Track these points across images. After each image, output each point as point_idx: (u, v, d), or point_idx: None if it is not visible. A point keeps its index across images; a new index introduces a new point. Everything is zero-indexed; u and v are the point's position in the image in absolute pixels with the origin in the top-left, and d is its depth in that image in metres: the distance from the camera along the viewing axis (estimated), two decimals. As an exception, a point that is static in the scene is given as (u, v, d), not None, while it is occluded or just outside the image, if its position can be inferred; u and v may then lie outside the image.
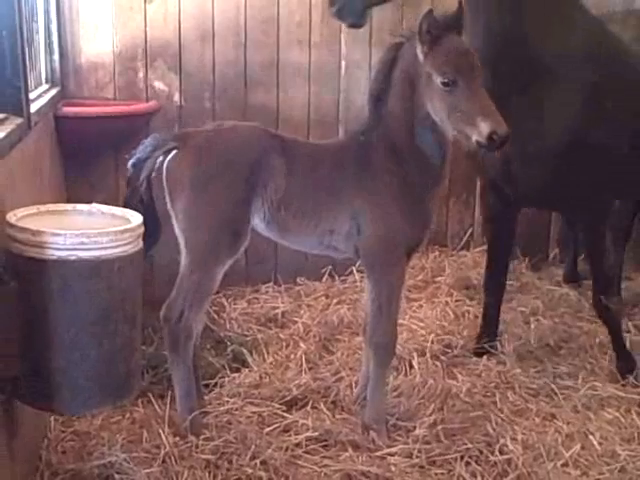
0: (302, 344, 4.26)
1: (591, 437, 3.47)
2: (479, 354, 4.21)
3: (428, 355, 4.09)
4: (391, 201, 3.33)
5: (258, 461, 3.17)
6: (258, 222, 3.39)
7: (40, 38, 4.38)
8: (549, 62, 3.56)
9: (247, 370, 4.00)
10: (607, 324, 4.06)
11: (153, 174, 3.32)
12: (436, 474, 3.21)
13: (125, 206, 3.07)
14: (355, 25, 3.86)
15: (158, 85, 4.87)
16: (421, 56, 3.18)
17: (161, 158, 3.32)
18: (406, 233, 3.36)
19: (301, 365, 4.01)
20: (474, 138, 3.09)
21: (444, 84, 3.11)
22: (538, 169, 3.73)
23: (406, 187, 3.33)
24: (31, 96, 3.58)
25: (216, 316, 4.62)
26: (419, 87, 3.22)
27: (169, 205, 3.33)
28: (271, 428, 3.44)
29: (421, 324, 4.48)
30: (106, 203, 3.09)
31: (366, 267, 3.46)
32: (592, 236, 3.92)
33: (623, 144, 3.80)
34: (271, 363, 4.08)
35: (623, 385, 3.94)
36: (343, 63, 5.11)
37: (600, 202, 3.89)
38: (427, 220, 3.42)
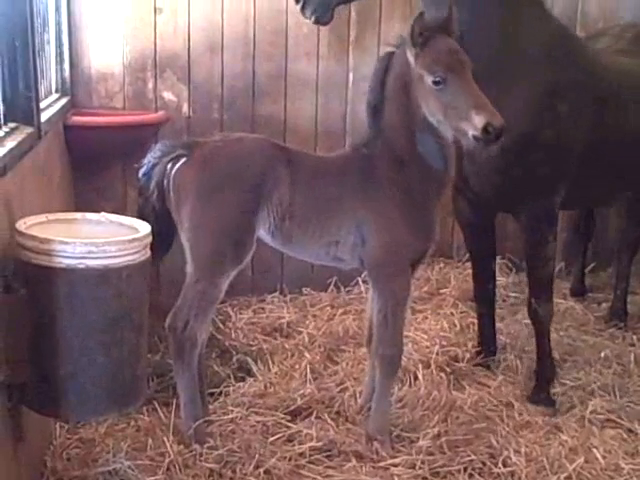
0: (307, 354, 4.27)
1: (595, 450, 3.46)
2: (482, 366, 4.22)
3: (433, 367, 4.09)
4: (395, 211, 3.34)
5: (262, 470, 3.18)
6: (263, 232, 3.41)
7: (51, 48, 4.43)
8: (503, 62, 3.55)
9: (252, 379, 4.02)
10: (534, 327, 4.02)
11: (164, 181, 3.35)
12: (439, 485, 3.22)
13: (139, 215, 3.08)
14: (320, 21, 3.88)
15: (167, 96, 4.91)
16: (412, 59, 3.20)
17: (169, 165, 3.35)
18: (410, 243, 3.38)
19: (306, 375, 4.02)
20: (470, 133, 3.08)
21: (435, 83, 3.12)
22: (487, 166, 3.70)
23: (409, 196, 3.35)
24: (41, 105, 3.62)
25: (222, 325, 4.64)
26: (413, 92, 3.23)
27: (175, 213, 3.35)
28: (275, 437, 3.45)
29: (426, 336, 4.48)
30: (114, 212, 3.13)
31: (371, 278, 3.48)
32: (533, 240, 3.85)
33: (574, 148, 3.78)
34: (276, 373, 4.09)
35: (628, 400, 3.94)
36: (351, 75, 5.14)
37: (546, 208, 3.82)
38: (431, 230, 3.43)
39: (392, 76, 3.30)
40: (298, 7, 3.86)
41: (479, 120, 3.05)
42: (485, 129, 3.04)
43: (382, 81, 3.33)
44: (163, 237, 3.36)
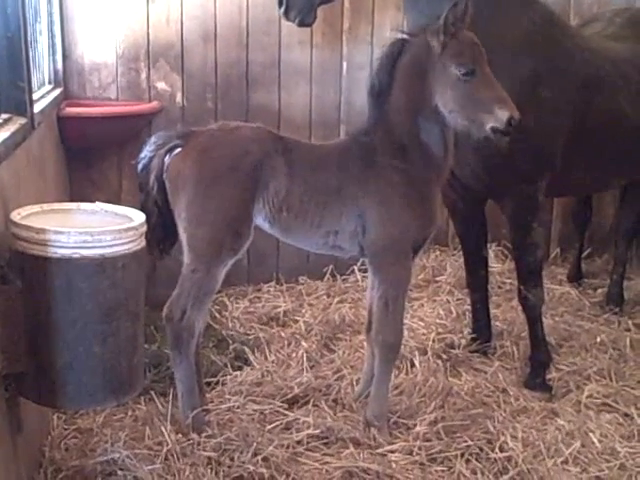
0: (304, 343, 4.28)
1: (591, 435, 3.49)
2: (479, 352, 4.23)
3: (429, 353, 4.11)
4: (397, 199, 3.34)
5: (260, 458, 3.19)
6: (261, 221, 3.40)
7: (43, 39, 4.42)
8: (489, 48, 3.56)
9: (249, 368, 4.03)
10: (526, 314, 4.03)
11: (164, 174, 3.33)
12: (436, 471, 3.23)
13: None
14: (304, 23, 3.88)
15: (160, 85, 4.90)
16: (438, 47, 3.22)
17: (166, 157, 3.34)
18: (413, 230, 3.38)
19: (302, 363, 4.03)
20: (489, 125, 3.17)
21: (464, 74, 3.18)
22: (469, 155, 3.69)
23: (411, 183, 3.35)
24: (34, 96, 3.62)
25: (218, 315, 4.65)
26: (430, 79, 3.25)
27: (172, 203, 3.34)
28: (273, 426, 3.46)
29: (422, 323, 4.50)
30: (109, 202, 3.12)
31: (373, 265, 3.46)
32: (518, 227, 3.85)
33: (557, 134, 3.77)
34: (273, 361, 4.10)
35: (624, 384, 3.96)
36: (344, 64, 5.14)
37: (529, 194, 3.81)
38: (433, 215, 3.45)
39: (406, 62, 3.30)
40: (281, 11, 3.85)
41: (503, 113, 3.15)
42: (509, 122, 3.14)
43: (391, 67, 3.32)
44: (168, 231, 3.36)
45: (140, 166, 3.38)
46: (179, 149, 3.33)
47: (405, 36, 3.35)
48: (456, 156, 3.69)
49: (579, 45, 3.95)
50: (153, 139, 3.40)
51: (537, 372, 3.99)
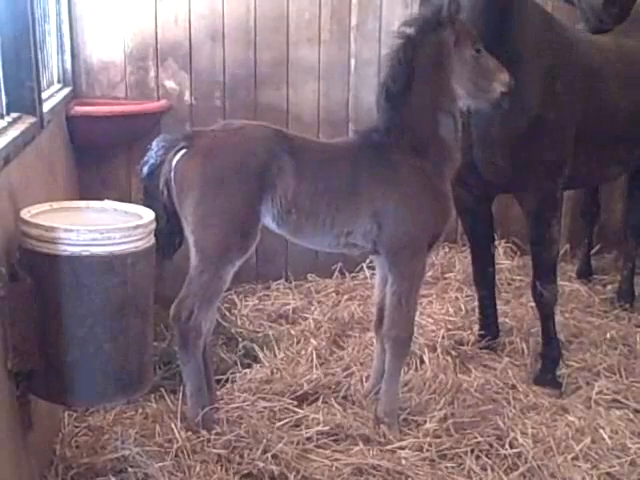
0: (313, 340, 4.28)
1: (601, 431, 3.48)
2: (488, 348, 4.23)
3: (439, 350, 4.11)
4: (415, 196, 3.35)
5: (269, 455, 3.20)
6: (270, 222, 3.38)
7: (52, 39, 4.43)
8: (508, 48, 3.60)
9: (258, 366, 4.04)
10: (539, 309, 4.04)
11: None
12: (446, 467, 3.23)
13: None
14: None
15: (169, 84, 4.91)
16: (451, 37, 3.32)
17: (173, 159, 3.31)
18: (430, 226, 3.40)
19: (312, 361, 4.03)
20: (499, 90, 3.39)
21: (477, 51, 3.37)
22: (498, 151, 3.75)
23: (427, 180, 3.37)
24: (43, 96, 3.63)
25: (227, 313, 4.66)
26: (447, 70, 3.34)
27: (178, 205, 3.32)
28: (282, 423, 3.47)
29: (431, 320, 4.50)
30: (118, 200, 3.12)
31: (387, 261, 3.45)
32: (538, 224, 3.87)
33: (571, 127, 3.83)
34: (282, 359, 4.10)
35: (634, 380, 3.95)
36: (353, 61, 5.13)
37: (551, 191, 3.85)
38: (449, 210, 3.46)
39: (422, 60, 3.33)
40: None
41: (505, 76, 3.40)
42: (510, 83, 3.39)
43: (408, 65, 3.33)
44: (172, 236, 3.36)
45: (146, 170, 3.34)
46: (184, 150, 3.30)
47: (411, 35, 3.34)
48: (481, 152, 3.73)
49: (579, 40, 4.02)
50: (159, 143, 3.36)
51: (548, 368, 3.98)
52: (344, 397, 3.72)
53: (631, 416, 3.65)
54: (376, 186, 3.34)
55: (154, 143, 3.38)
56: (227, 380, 3.88)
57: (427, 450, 3.31)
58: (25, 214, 2.72)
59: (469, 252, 4.52)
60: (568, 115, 3.81)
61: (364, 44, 5.09)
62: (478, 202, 4.14)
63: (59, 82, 4.58)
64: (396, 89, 3.35)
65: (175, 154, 3.31)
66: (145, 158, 3.37)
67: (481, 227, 4.25)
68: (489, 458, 3.29)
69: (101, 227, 2.69)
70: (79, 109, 4.49)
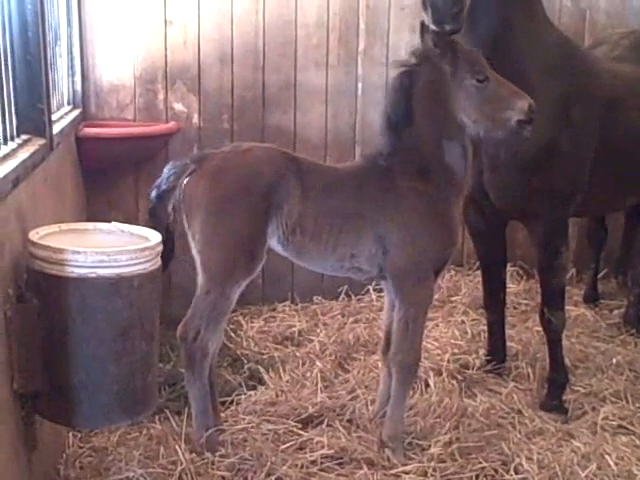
0: (318, 362, 4.28)
1: (607, 457, 3.45)
2: (494, 373, 4.22)
3: (444, 374, 4.10)
4: (419, 222, 3.36)
5: (273, 478, 3.19)
6: (275, 244, 3.40)
7: (62, 61, 4.48)
8: (521, 73, 3.56)
9: (263, 388, 4.04)
10: (547, 336, 4.02)
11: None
12: (451, 492, 3.22)
13: None
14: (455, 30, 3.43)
15: (178, 107, 4.95)
16: (448, 68, 3.29)
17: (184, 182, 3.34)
18: (434, 251, 3.39)
19: (317, 383, 4.02)
20: (515, 118, 3.29)
21: (480, 81, 3.29)
22: (508, 178, 3.73)
23: (433, 205, 3.37)
24: (53, 117, 3.66)
25: (233, 334, 4.66)
26: (449, 99, 3.31)
27: (186, 225, 3.36)
28: (286, 445, 3.46)
29: (437, 343, 4.49)
30: (125, 221, 3.14)
31: (394, 286, 3.45)
32: (547, 251, 3.86)
33: (587, 155, 3.81)
34: (287, 381, 4.10)
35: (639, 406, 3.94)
36: (360, 85, 5.17)
37: (561, 218, 3.85)
38: (455, 235, 3.47)
39: (421, 91, 3.33)
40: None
41: (523, 104, 3.29)
42: (530, 110, 3.28)
43: (407, 96, 3.34)
44: (167, 253, 3.36)
45: (155, 193, 3.37)
46: (192, 172, 3.33)
47: (409, 66, 3.36)
48: (493, 180, 3.73)
49: (597, 66, 4.00)
50: (168, 169, 3.38)
51: (554, 394, 3.96)
52: (349, 420, 3.71)
53: (637, 442, 3.62)
54: (379, 210, 3.36)
55: (165, 169, 3.41)
56: (232, 402, 3.88)
57: (432, 475, 3.29)
58: (33, 235, 2.74)
59: (476, 275, 4.53)
60: (584, 145, 3.78)
61: (371, 68, 5.13)
62: (491, 226, 4.13)
63: (69, 104, 4.62)
64: (396, 117, 3.37)
65: (185, 178, 3.34)
66: (156, 182, 3.40)
67: (493, 251, 4.23)
68: (494, 484, 3.27)
69: (108, 249, 2.71)
70: (88, 131, 4.53)
